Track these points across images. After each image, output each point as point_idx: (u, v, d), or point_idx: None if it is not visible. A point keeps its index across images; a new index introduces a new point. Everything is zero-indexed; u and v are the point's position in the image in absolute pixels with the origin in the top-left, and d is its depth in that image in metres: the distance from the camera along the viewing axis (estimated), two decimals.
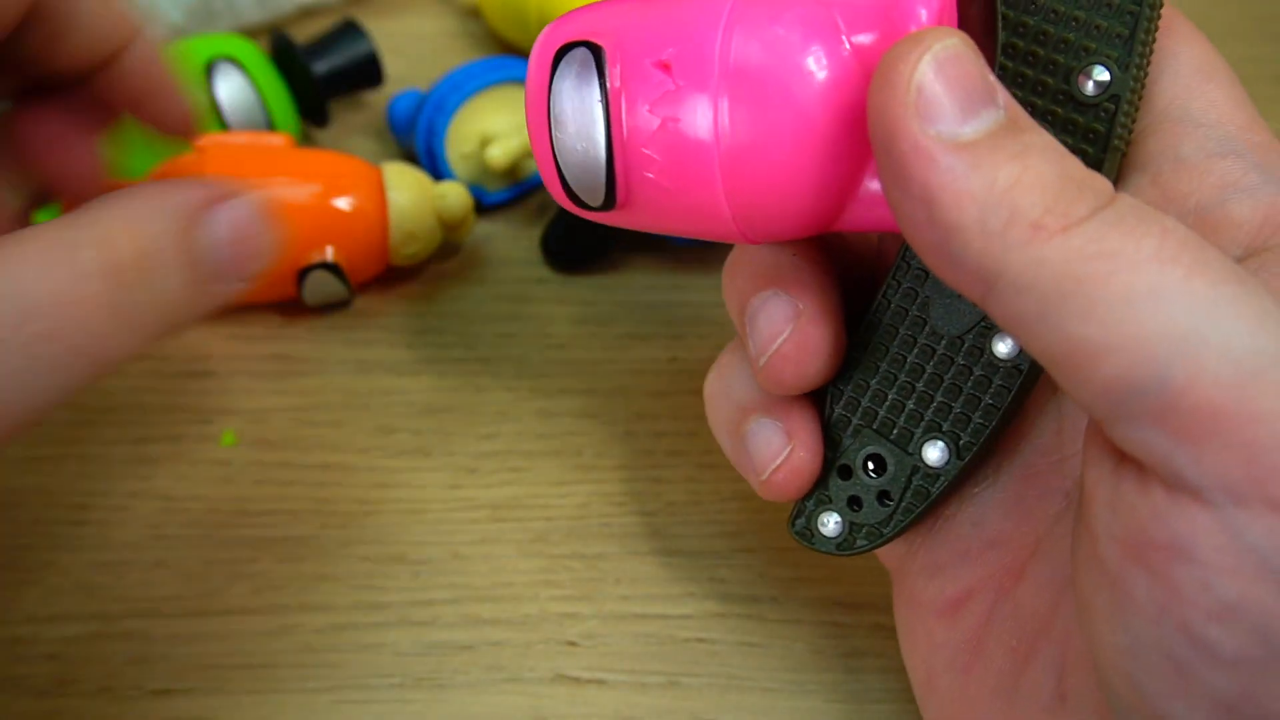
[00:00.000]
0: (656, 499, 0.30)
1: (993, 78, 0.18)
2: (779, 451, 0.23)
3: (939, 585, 0.23)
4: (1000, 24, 0.20)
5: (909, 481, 0.22)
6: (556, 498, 0.30)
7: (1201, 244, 0.16)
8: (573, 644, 0.27)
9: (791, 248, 0.23)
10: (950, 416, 0.22)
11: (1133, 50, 0.19)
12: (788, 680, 0.26)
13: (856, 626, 0.27)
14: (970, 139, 0.17)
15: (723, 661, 0.26)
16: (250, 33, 0.41)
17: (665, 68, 0.20)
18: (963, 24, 0.20)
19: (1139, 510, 0.16)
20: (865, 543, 0.23)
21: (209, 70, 0.34)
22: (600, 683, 0.26)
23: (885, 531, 0.23)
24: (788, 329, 0.22)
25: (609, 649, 0.27)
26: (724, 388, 0.24)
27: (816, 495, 0.23)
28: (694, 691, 0.26)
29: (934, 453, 0.22)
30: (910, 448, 0.22)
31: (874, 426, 0.23)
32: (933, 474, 0.22)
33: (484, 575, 0.28)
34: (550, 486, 0.30)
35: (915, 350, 0.22)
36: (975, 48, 0.18)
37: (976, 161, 0.17)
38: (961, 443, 0.22)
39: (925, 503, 0.22)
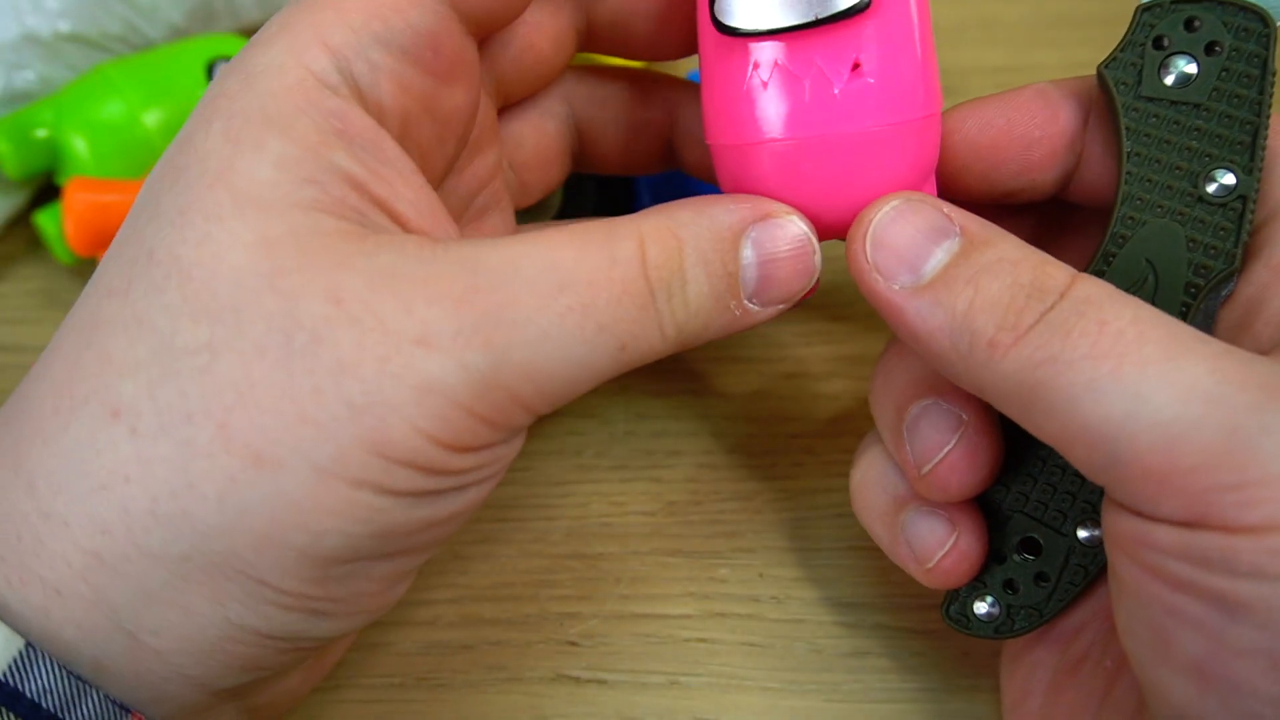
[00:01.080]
0: (656, 499, 0.30)
1: (947, 208, 0.21)
2: (944, 540, 0.23)
3: (1059, 617, 0.23)
4: (1124, 134, 0.22)
5: (1066, 561, 0.23)
6: (556, 498, 0.30)
7: (1140, 332, 0.18)
8: (573, 644, 0.27)
9: None
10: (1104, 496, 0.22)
11: (1254, 156, 0.21)
12: (788, 680, 0.26)
13: (856, 626, 0.27)
14: (929, 278, 0.20)
15: (723, 661, 0.26)
16: (250, 33, 0.41)
17: None
18: (1091, 129, 0.24)
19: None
20: (1024, 624, 0.23)
21: (209, 70, 0.34)
22: (600, 682, 0.26)
23: (1045, 611, 0.23)
24: (952, 439, 0.22)
25: (609, 649, 0.27)
26: (876, 478, 0.24)
27: (971, 582, 0.24)
28: (694, 691, 0.26)
29: (1088, 532, 0.23)
30: (1064, 528, 0.23)
31: (1025, 510, 0.23)
32: (1090, 551, 0.23)
33: (484, 575, 0.28)
34: (550, 486, 0.30)
35: None
36: (920, 196, 0.21)
37: (936, 299, 0.20)
38: None
39: (1084, 579, 0.23)
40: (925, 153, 0.23)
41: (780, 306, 0.22)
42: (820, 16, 0.21)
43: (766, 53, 0.21)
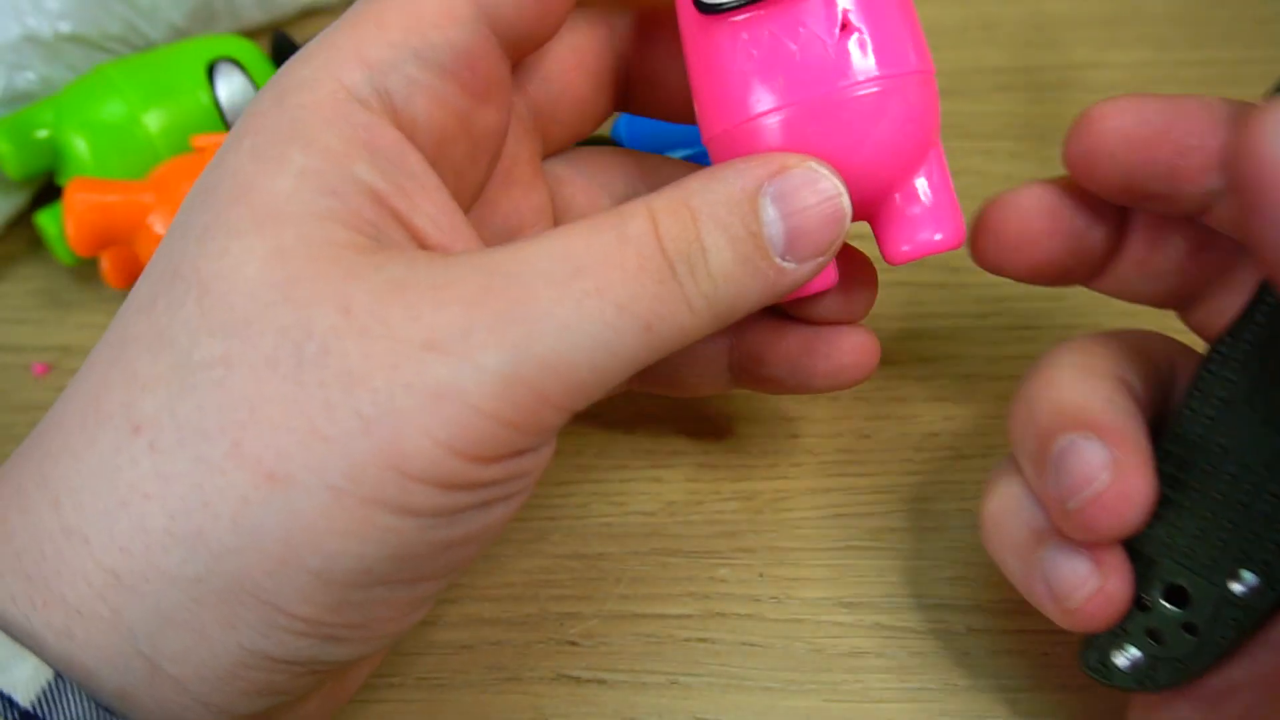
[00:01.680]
0: (656, 499, 0.30)
1: None
2: (1086, 579, 0.22)
3: (1207, 675, 0.22)
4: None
5: (1216, 613, 0.21)
6: (557, 498, 0.30)
7: None
8: (573, 644, 0.27)
9: (1107, 390, 0.22)
10: (1261, 545, 0.21)
11: None
12: (788, 680, 0.26)
13: (856, 626, 0.27)
14: None
15: (723, 661, 0.26)
16: (251, 33, 0.41)
17: None
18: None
19: None
20: (1169, 679, 0.22)
21: (210, 71, 0.34)
22: (600, 682, 0.26)
23: (1194, 666, 0.21)
24: (1103, 476, 0.21)
25: (609, 649, 0.27)
26: (1013, 510, 0.23)
27: (1111, 629, 0.22)
28: (694, 691, 0.26)
29: (1242, 583, 0.21)
30: (1215, 578, 0.21)
31: (1174, 557, 0.22)
32: (1243, 604, 0.21)
33: (484, 575, 0.28)
34: (550, 486, 0.30)
35: (1218, 480, 0.22)
36: None
37: None
38: (1276, 572, 0.21)
39: (1236, 634, 0.21)
40: (929, 111, 0.22)
41: (819, 259, 0.21)
42: None
43: (753, 25, 0.21)
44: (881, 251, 0.23)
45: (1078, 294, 0.34)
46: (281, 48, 0.36)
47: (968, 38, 0.43)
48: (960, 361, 0.33)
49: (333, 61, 0.20)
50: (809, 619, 0.27)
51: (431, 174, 0.21)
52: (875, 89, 0.21)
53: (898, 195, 0.22)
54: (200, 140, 0.32)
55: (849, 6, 0.21)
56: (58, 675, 0.18)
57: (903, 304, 0.34)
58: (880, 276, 0.35)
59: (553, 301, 0.18)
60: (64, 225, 0.31)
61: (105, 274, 0.32)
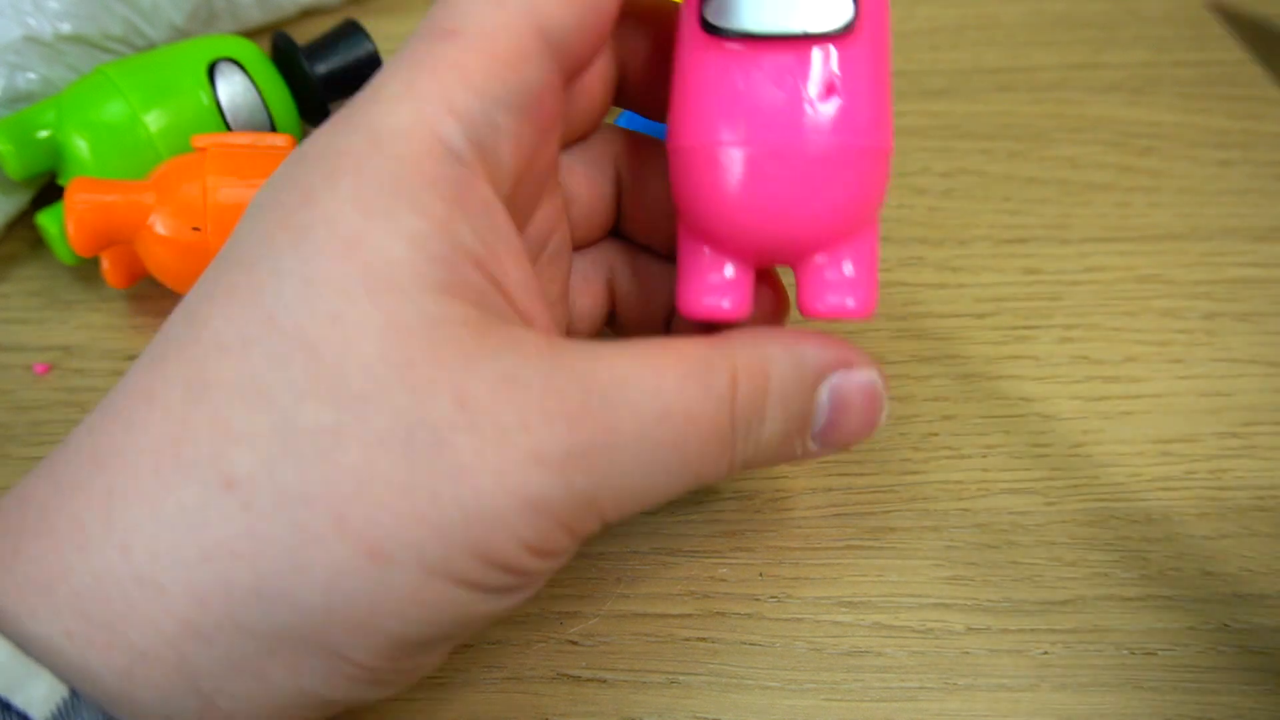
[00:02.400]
0: None
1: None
2: None
3: None
4: None
5: None
6: None
7: None
8: (573, 643, 0.27)
9: None
10: None
11: None
12: (788, 680, 0.26)
13: (856, 626, 0.27)
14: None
15: (723, 661, 0.26)
16: (251, 34, 0.41)
17: None
18: None
19: None
20: None
21: (210, 71, 0.34)
22: (601, 682, 0.26)
23: None
24: None
25: (609, 648, 0.27)
26: None
27: None
28: (694, 690, 0.26)
29: None
30: None
31: None
32: None
33: None
34: None
35: None
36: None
37: None
38: None
39: None
40: (879, 186, 0.23)
41: (836, 449, 0.23)
42: (808, 31, 0.21)
43: (748, 58, 0.22)
44: (798, 298, 0.24)
45: (1077, 294, 0.35)
46: (282, 48, 0.36)
47: (967, 38, 0.43)
48: (960, 361, 0.33)
49: (424, 111, 0.20)
50: (809, 619, 0.27)
51: (514, 231, 0.21)
52: (839, 153, 0.22)
53: (824, 255, 0.23)
54: (201, 140, 0.32)
55: (837, 74, 0.22)
56: (73, 692, 0.18)
57: (903, 304, 0.34)
58: (880, 277, 0.35)
59: (636, 438, 0.20)
60: (65, 225, 0.31)
61: (106, 274, 0.32)
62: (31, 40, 0.34)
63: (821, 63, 0.22)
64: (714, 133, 0.22)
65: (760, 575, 0.28)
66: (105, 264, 0.32)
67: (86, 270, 0.35)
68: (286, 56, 0.36)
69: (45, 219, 0.33)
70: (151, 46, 0.37)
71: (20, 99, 0.34)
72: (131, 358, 0.33)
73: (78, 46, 0.35)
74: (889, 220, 0.37)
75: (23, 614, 0.18)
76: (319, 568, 0.18)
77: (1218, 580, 0.28)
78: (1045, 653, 0.27)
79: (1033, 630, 0.27)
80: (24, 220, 0.36)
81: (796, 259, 0.23)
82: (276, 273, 0.19)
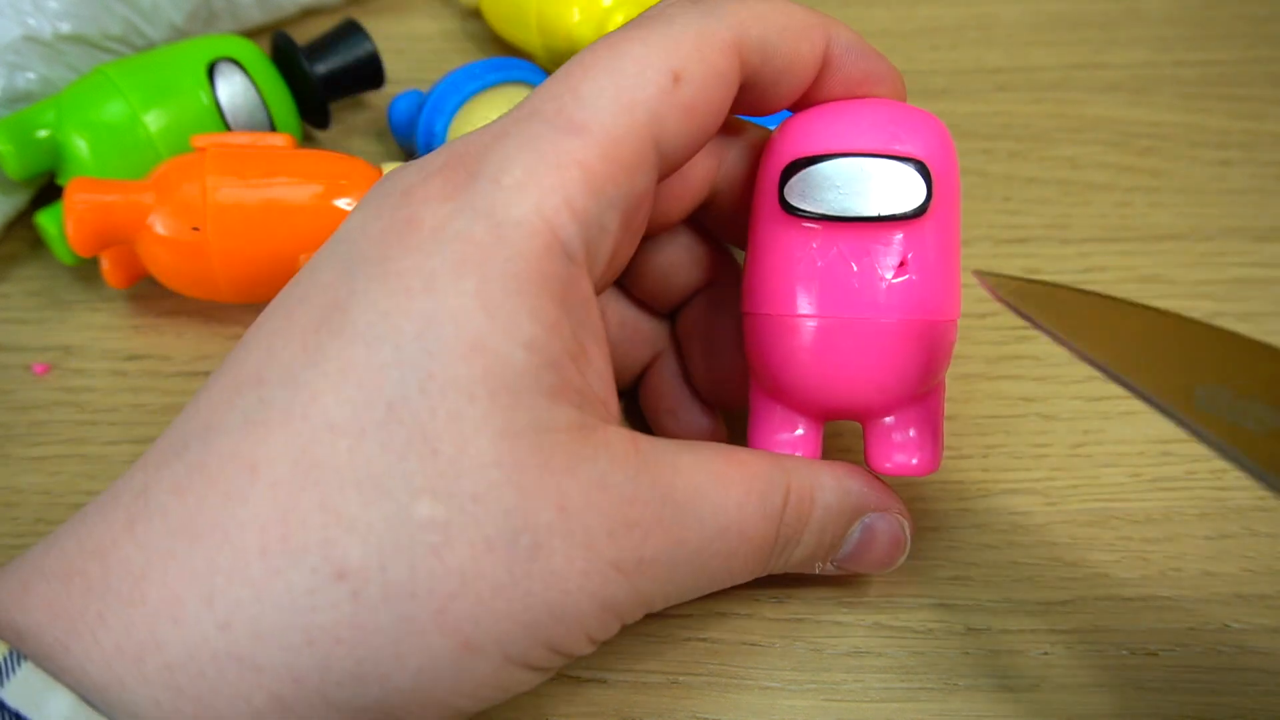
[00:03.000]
0: None
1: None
2: None
3: None
4: None
5: None
6: None
7: None
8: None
9: None
10: None
11: None
12: (788, 680, 0.26)
13: (856, 626, 0.27)
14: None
15: (723, 661, 0.26)
16: (251, 33, 0.41)
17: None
18: None
19: None
20: None
21: (210, 71, 0.34)
22: (601, 682, 0.26)
23: None
24: None
25: (610, 648, 0.27)
26: None
27: None
28: (694, 690, 0.26)
29: None
30: None
31: None
32: None
33: None
34: None
35: None
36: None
37: None
38: None
39: None
40: (945, 354, 0.24)
41: (849, 574, 0.26)
42: (882, 214, 0.23)
43: (826, 237, 0.23)
44: (865, 453, 0.25)
45: None
46: (282, 48, 0.36)
47: (968, 38, 0.43)
48: (960, 361, 0.33)
49: (545, 207, 0.20)
50: (809, 618, 0.27)
51: (601, 324, 0.22)
52: (909, 328, 0.23)
53: (893, 417, 0.25)
54: (200, 140, 0.32)
55: (911, 253, 0.23)
56: None
57: None
58: None
59: (697, 550, 0.21)
60: (64, 225, 0.31)
61: (106, 274, 0.32)
62: (31, 40, 0.34)
63: (895, 242, 0.23)
64: (791, 305, 0.24)
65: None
66: (105, 264, 0.32)
67: (86, 270, 0.35)
68: (286, 56, 0.36)
69: (45, 219, 0.33)
70: (151, 46, 0.37)
71: (20, 99, 0.34)
72: (131, 358, 0.33)
73: (77, 46, 0.35)
74: None
75: (111, 684, 0.18)
76: (415, 656, 0.19)
77: (1218, 580, 0.28)
78: (1045, 653, 0.27)
79: (1033, 630, 0.27)
80: (23, 220, 0.36)
81: (866, 416, 0.25)
82: (400, 363, 0.19)
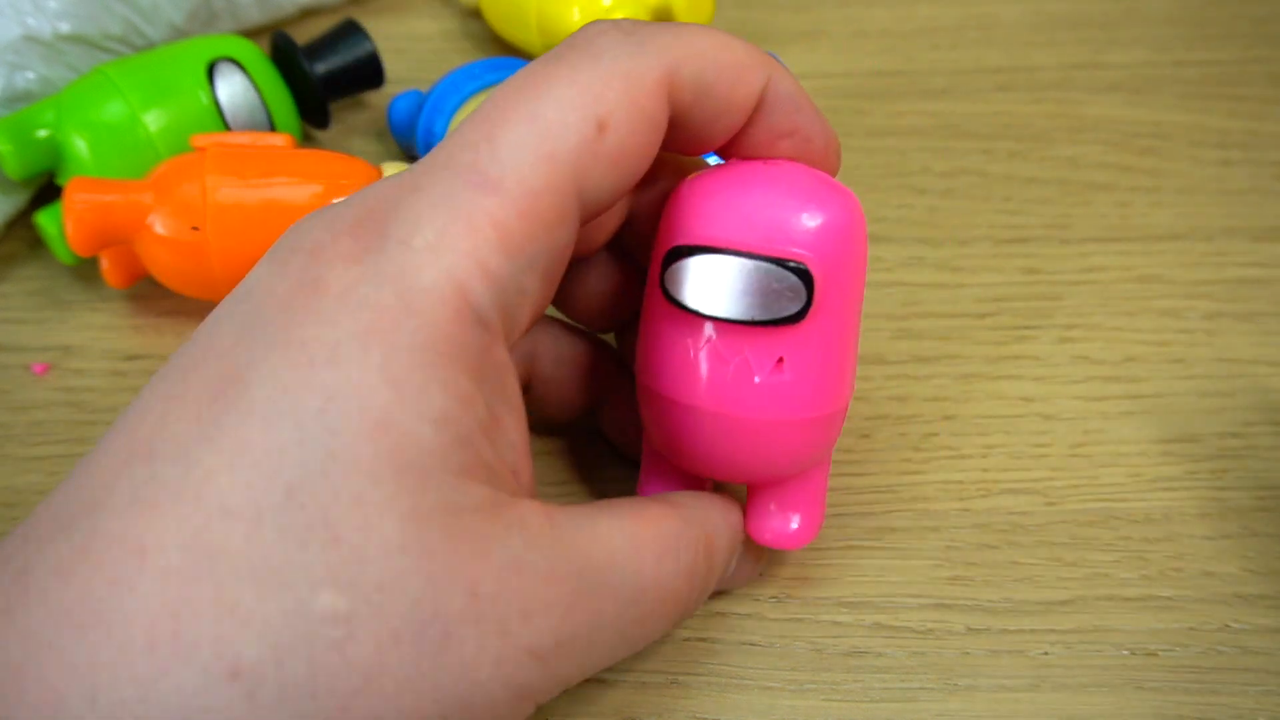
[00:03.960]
0: None
1: None
2: None
3: None
4: None
5: None
6: (557, 497, 0.30)
7: None
8: None
9: None
10: None
11: None
12: (788, 680, 0.26)
13: (856, 626, 0.27)
14: None
15: (722, 661, 0.26)
16: (251, 33, 0.41)
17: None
18: None
19: None
20: None
21: (210, 71, 0.34)
22: (601, 681, 0.26)
23: None
24: None
25: None
26: None
27: None
28: (694, 690, 0.26)
29: None
30: None
31: None
32: None
33: None
34: (551, 486, 0.30)
35: None
36: None
37: None
38: None
39: None
40: (829, 437, 0.24)
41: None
42: (757, 319, 0.22)
43: (704, 329, 0.23)
44: (746, 519, 0.25)
45: (1078, 294, 0.34)
46: (281, 48, 0.36)
47: (967, 38, 0.43)
48: (960, 361, 0.33)
49: (457, 271, 0.19)
50: (809, 619, 0.27)
51: (518, 390, 0.21)
52: (782, 426, 0.23)
53: (767, 490, 0.25)
54: (200, 140, 0.32)
55: (787, 354, 0.23)
56: None
57: (903, 304, 0.34)
58: (880, 277, 0.35)
59: (615, 623, 0.21)
60: (64, 225, 0.31)
61: (105, 274, 0.32)
62: (31, 40, 0.34)
63: (771, 342, 0.22)
64: (668, 385, 0.23)
65: (760, 575, 0.28)
66: (104, 264, 0.32)
67: (85, 270, 0.35)
68: (286, 56, 0.36)
69: (44, 219, 0.33)
70: (151, 46, 0.37)
71: (19, 98, 0.34)
72: (131, 358, 0.33)
73: (77, 46, 0.35)
74: (889, 220, 0.37)
75: None
76: None
77: (1218, 580, 0.28)
78: (1045, 653, 0.27)
79: (1033, 630, 0.27)
80: (23, 220, 0.36)
81: (749, 487, 0.25)
82: (300, 443, 0.18)
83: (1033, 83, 0.41)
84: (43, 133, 0.33)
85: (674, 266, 0.22)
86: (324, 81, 0.36)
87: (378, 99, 0.40)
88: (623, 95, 0.20)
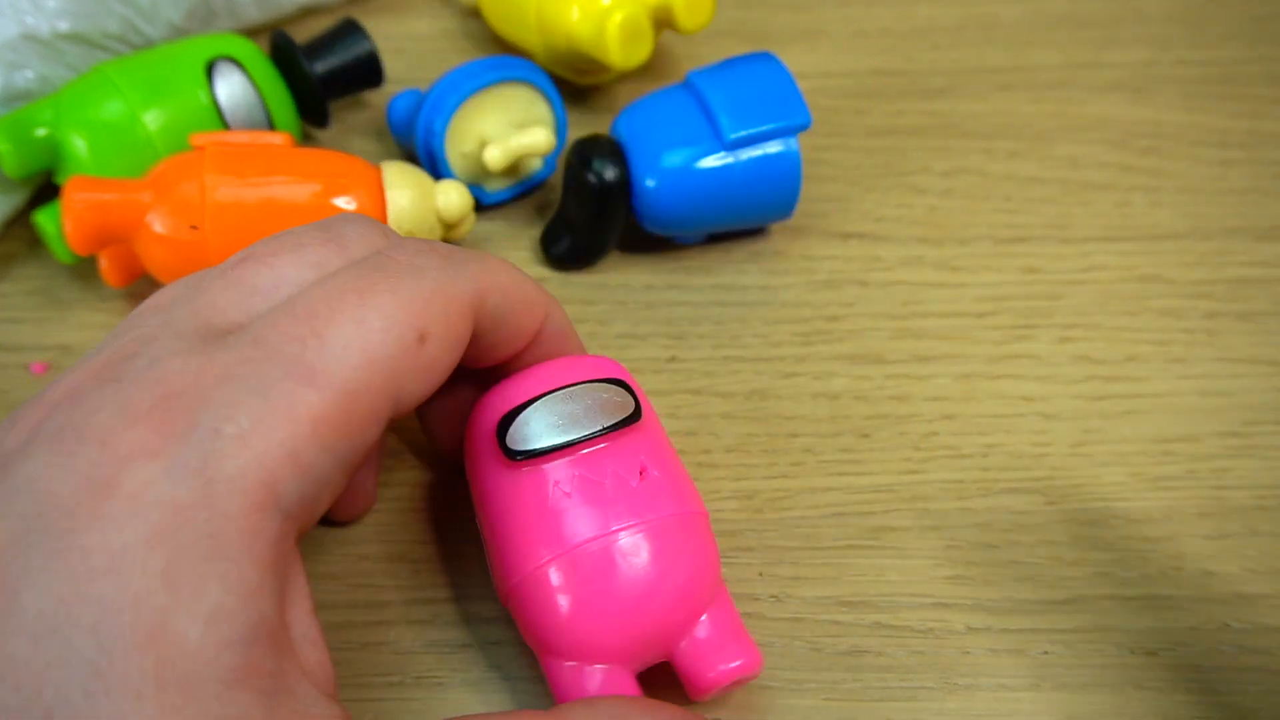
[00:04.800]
0: None
1: None
2: None
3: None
4: None
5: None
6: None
7: None
8: None
9: None
10: None
11: None
12: (787, 679, 0.26)
13: (856, 626, 0.27)
14: None
15: None
16: (250, 32, 0.41)
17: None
18: None
19: None
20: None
21: (209, 70, 0.34)
22: None
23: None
24: None
25: None
26: None
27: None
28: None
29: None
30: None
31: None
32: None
33: (484, 573, 0.28)
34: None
35: None
36: None
37: None
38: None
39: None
40: (713, 545, 0.25)
41: None
42: (606, 425, 0.24)
43: (564, 469, 0.24)
44: (687, 688, 0.24)
45: (1078, 294, 0.34)
46: (281, 47, 0.36)
47: (967, 37, 0.43)
48: (960, 361, 0.33)
49: (268, 459, 0.19)
50: (809, 618, 0.27)
51: (306, 580, 0.21)
52: (674, 523, 0.24)
53: (689, 636, 0.24)
54: (199, 139, 0.32)
55: (644, 454, 0.24)
56: None
57: (903, 304, 0.34)
58: (879, 276, 0.35)
59: None
60: (62, 224, 0.31)
61: (104, 273, 0.32)
62: (29, 38, 0.34)
63: (627, 452, 0.24)
64: (564, 541, 0.23)
65: (760, 575, 0.28)
66: (103, 263, 0.32)
67: (84, 269, 0.35)
68: (285, 55, 0.36)
69: (43, 218, 0.33)
70: (150, 45, 0.37)
71: (18, 97, 0.34)
72: None
73: (76, 45, 0.35)
74: (889, 220, 0.36)
75: None
76: None
77: (1218, 580, 0.28)
78: (1045, 653, 0.26)
79: (1033, 630, 0.27)
80: (21, 219, 0.36)
81: (669, 648, 0.24)
82: (66, 661, 0.17)
83: (1033, 82, 0.41)
84: (41, 132, 0.33)
85: (513, 427, 0.24)
86: (323, 81, 0.36)
87: (377, 98, 0.40)
88: (441, 313, 0.22)
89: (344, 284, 0.21)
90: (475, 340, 0.24)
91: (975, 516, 0.29)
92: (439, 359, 0.22)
